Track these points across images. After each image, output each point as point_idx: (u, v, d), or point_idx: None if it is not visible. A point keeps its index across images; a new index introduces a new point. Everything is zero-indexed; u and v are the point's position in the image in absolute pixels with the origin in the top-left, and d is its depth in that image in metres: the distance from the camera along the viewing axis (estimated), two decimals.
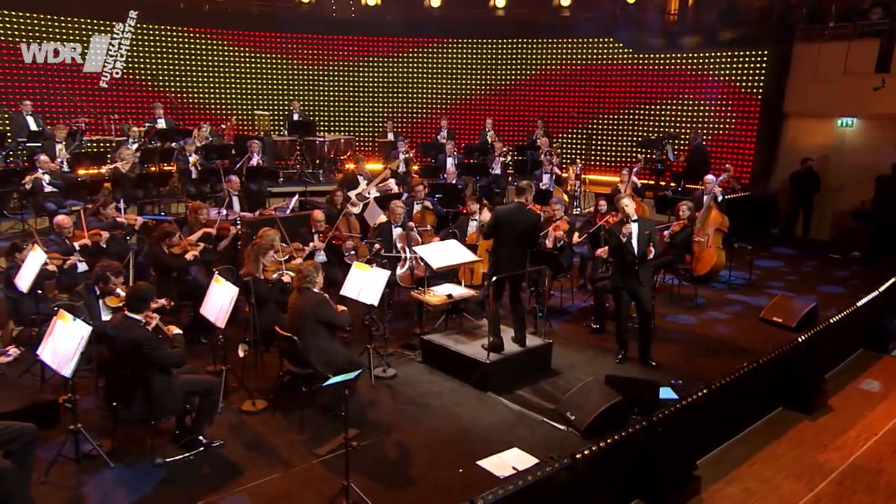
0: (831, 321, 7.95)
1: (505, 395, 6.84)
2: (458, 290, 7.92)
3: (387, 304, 7.90)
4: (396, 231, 9.13)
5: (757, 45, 14.51)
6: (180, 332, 5.54)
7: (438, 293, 7.82)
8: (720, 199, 10.87)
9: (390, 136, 16.07)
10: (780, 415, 7.22)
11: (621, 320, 7.74)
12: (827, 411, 7.22)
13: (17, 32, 14.19)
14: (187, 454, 5.57)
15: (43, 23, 14.46)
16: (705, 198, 10.91)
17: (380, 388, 6.97)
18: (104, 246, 8.33)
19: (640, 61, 16.13)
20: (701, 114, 15.29)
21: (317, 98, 17.56)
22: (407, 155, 14.28)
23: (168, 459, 5.49)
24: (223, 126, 14.91)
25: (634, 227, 7.38)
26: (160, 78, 15.88)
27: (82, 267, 8.00)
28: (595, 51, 16.73)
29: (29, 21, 14.33)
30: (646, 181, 14.04)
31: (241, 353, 6.99)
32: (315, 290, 6.18)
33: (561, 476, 5.17)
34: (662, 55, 15.80)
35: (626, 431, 5.70)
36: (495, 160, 14.15)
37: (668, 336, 8.59)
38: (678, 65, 15.65)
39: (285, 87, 17.23)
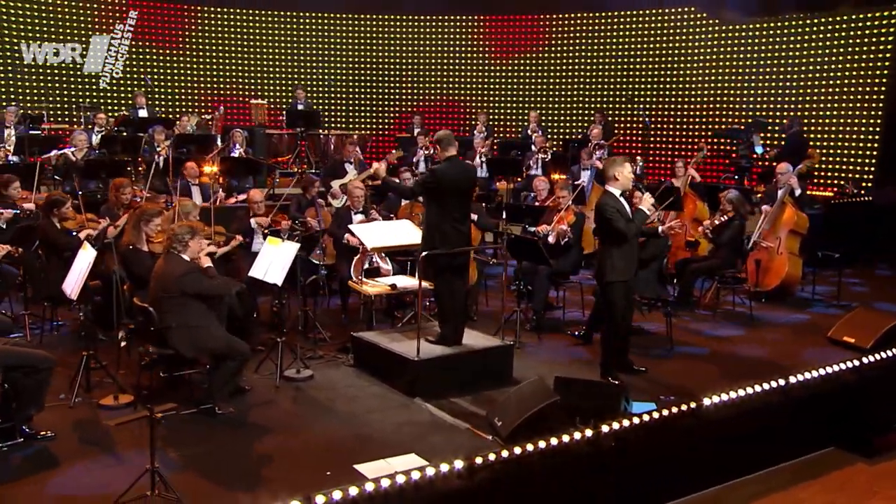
0: None
1: (435, 401, 6.57)
2: (407, 281, 7.73)
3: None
4: (357, 218, 9.05)
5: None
6: None
7: (381, 283, 7.67)
8: (797, 193, 10.25)
9: (417, 133, 16.16)
10: (829, 455, 6.60)
11: (616, 329, 7.24)
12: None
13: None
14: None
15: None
16: (779, 192, 10.32)
17: (285, 389, 6.84)
18: (3, 227, 8.57)
19: (721, 32, 15.75)
20: (802, 95, 14.69)
21: (332, 88, 18.06)
22: (427, 151, 14.28)
23: None
24: (206, 116, 15.33)
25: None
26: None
27: None
28: (664, 23, 16.51)
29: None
30: (713, 180, 13.52)
31: (121, 342, 7.01)
32: (185, 256, 6.13)
33: (449, 483, 4.87)
34: (750, 26, 15.35)
35: (559, 441, 5.35)
36: (534, 157, 13.92)
37: (688, 351, 8.20)
38: (770, 34, 15.16)
39: (289, 74, 17.79)
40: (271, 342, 7.24)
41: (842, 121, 14.33)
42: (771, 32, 15.20)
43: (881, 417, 6.90)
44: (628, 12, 16.79)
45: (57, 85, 16.15)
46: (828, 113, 14.50)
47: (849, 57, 14.18)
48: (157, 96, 16.67)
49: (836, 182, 14.12)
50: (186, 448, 5.70)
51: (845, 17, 14.23)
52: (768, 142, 14.13)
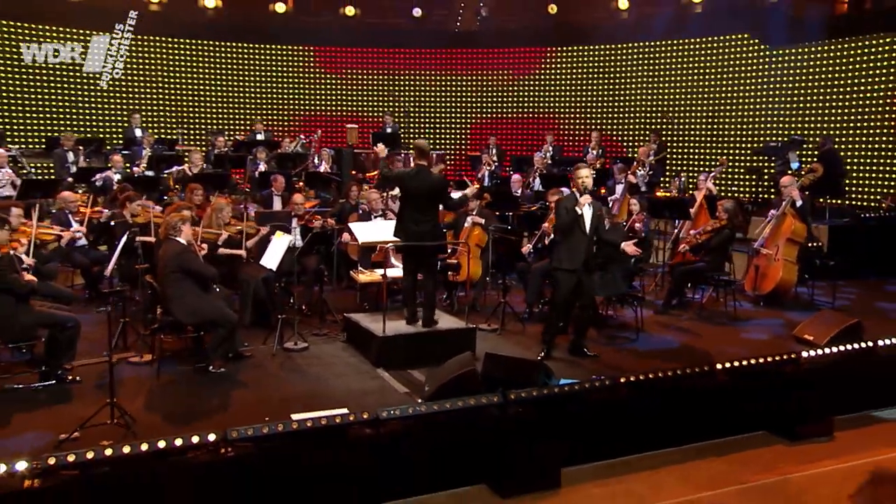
0: (865, 344, 7.42)
1: (394, 371, 7.31)
2: (398, 273, 8.47)
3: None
4: (376, 219, 9.86)
5: None
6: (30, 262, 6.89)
7: (376, 273, 8.50)
8: (798, 204, 10.30)
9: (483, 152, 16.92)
10: (757, 437, 6.77)
11: (556, 311, 7.88)
12: (822, 441, 6.75)
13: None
14: (37, 384, 6.73)
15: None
16: (783, 203, 10.41)
17: (280, 357, 7.74)
18: (110, 223, 9.87)
19: (771, 57, 15.69)
20: (837, 114, 14.52)
21: (417, 114, 19.39)
22: (490, 168, 14.97)
23: (16, 386, 6.70)
24: (303, 138, 16.61)
25: (588, 207, 7.55)
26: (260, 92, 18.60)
27: (82, 241, 9.61)
28: (718, 49, 16.66)
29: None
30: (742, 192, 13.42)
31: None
32: (181, 239, 7.16)
33: (360, 431, 5.50)
34: (791, 50, 15.30)
35: (462, 404, 5.81)
36: None
37: (656, 343, 8.51)
38: (816, 57, 15.04)
39: (380, 102, 19.29)
40: (281, 319, 8.07)
41: (884, 139, 14.04)
42: (812, 56, 15.09)
43: (811, 407, 6.98)
44: (683, 40, 17.09)
45: (62, 86, 16.52)
46: (867, 131, 14.26)
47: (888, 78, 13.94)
48: (270, 118, 18.38)
49: (872, 198, 13.84)
50: (169, 395, 6.70)
51: (887, 40, 13.95)
52: (804, 158, 13.98)
